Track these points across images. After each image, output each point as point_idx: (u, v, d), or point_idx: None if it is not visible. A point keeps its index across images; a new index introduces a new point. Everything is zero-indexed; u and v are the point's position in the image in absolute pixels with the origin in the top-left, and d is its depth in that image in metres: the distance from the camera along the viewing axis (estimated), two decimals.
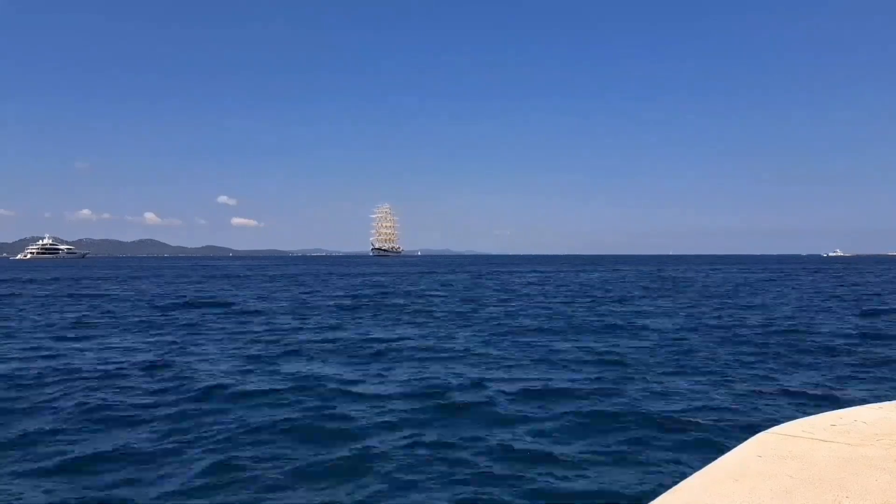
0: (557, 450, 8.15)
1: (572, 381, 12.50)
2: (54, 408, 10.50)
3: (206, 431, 9.06)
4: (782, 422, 3.51)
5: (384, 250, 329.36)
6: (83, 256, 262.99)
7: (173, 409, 10.30)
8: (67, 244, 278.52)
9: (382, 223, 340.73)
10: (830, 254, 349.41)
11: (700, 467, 2.87)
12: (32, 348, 17.08)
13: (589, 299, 34.72)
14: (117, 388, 12.00)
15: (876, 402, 4.16)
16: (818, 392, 11.35)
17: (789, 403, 10.80)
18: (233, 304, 31.76)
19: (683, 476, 2.82)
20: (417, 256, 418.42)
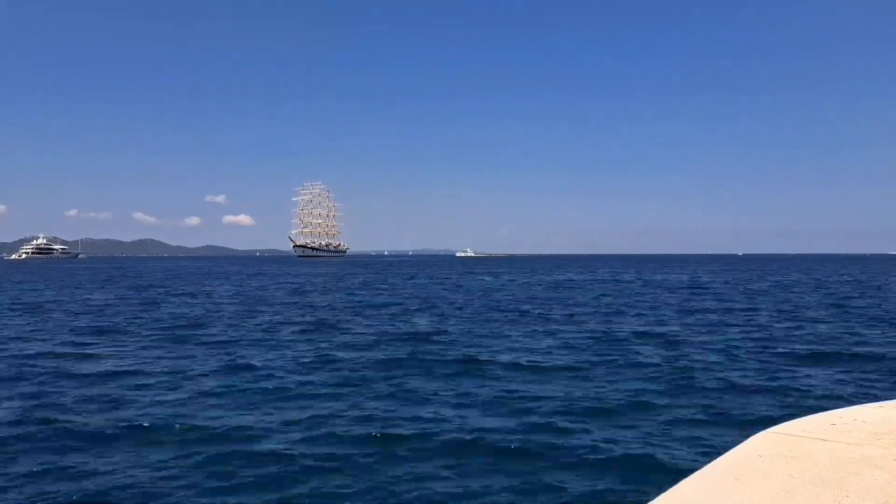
0: None
1: None
2: None
3: None
4: (782, 421, 3.51)
5: (313, 248, 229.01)
6: (76, 256, 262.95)
7: None
8: (66, 244, 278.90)
9: (312, 209, 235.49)
10: (459, 254, 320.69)
11: (700, 467, 2.86)
12: None
13: None
14: None
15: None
16: None
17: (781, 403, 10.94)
18: None
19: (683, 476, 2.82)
20: (385, 258, 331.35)
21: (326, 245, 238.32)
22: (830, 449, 2.98)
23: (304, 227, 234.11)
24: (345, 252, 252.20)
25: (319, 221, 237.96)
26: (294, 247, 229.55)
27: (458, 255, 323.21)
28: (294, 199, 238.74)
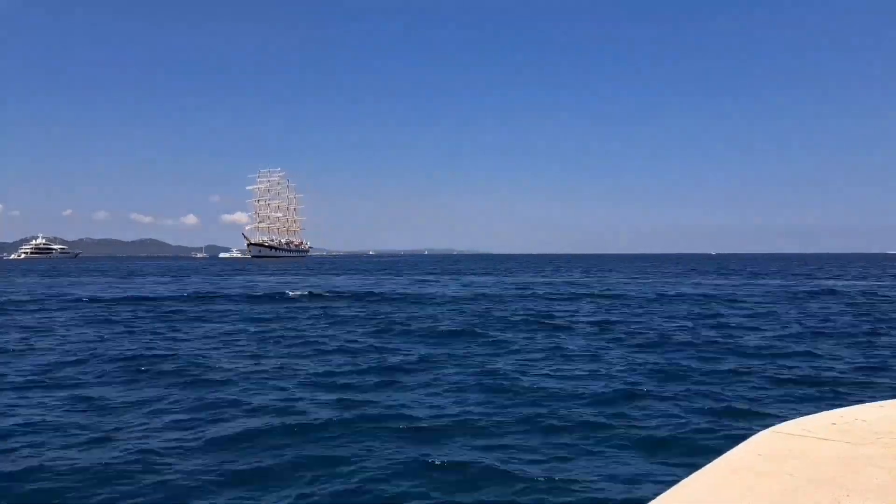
0: None
1: None
2: None
3: None
4: (782, 420, 3.50)
5: (270, 247, 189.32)
6: (75, 256, 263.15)
7: None
8: (65, 244, 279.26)
9: (269, 200, 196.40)
10: (223, 255, 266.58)
11: (700, 467, 2.86)
12: None
13: None
14: None
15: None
16: None
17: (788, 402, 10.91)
18: None
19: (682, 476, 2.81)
20: (368, 257, 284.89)
21: (287, 243, 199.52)
22: (830, 448, 2.98)
23: (260, 222, 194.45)
24: (307, 252, 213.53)
25: (279, 216, 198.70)
26: (248, 245, 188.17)
27: (220, 255, 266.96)
28: (248, 187, 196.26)
